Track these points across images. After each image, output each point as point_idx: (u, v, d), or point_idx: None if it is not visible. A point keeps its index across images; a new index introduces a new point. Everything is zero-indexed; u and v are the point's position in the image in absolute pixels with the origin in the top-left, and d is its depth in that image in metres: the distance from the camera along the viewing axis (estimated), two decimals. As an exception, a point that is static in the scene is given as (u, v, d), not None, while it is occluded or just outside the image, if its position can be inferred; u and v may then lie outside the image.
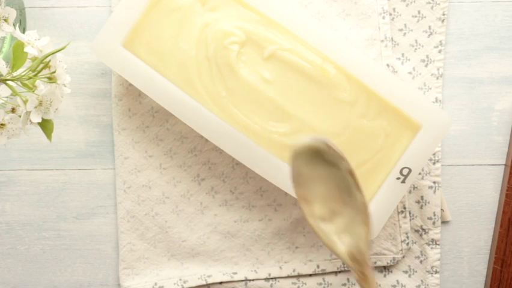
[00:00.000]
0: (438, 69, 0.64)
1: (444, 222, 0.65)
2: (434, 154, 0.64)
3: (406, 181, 0.58)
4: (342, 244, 0.45)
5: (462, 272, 0.66)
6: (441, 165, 0.65)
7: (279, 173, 0.57)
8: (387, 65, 0.63)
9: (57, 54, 0.50)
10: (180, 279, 0.64)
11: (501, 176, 0.65)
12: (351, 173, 0.45)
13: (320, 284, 0.64)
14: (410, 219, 0.64)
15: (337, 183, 0.46)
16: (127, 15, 0.56)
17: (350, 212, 0.45)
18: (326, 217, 0.46)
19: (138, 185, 0.63)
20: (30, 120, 0.48)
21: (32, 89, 0.48)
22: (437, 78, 0.64)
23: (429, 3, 0.64)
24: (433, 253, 0.64)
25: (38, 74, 0.49)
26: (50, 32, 0.63)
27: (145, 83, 0.57)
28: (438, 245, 0.64)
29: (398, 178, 0.57)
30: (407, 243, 0.64)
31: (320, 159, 0.45)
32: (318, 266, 0.64)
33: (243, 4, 0.57)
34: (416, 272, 0.65)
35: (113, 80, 0.63)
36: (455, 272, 0.66)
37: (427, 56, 0.64)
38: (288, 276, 0.64)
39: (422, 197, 0.64)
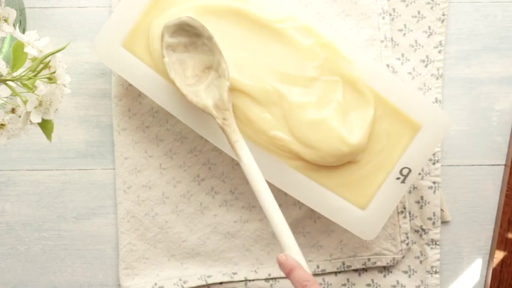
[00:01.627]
0: (438, 69, 0.64)
1: (444, 222, 0.65)
2: (434, 154, 0.64)
3: (406, 181, 0.58)
4: (208, 98, 0.53)
5: (462, 272, 0.66)
6: (441, 165, 0.65)
7: (279, 173, 0.57)
8: (387, 65, 0.63)
9: (57, 54, 0.50)
10: (180, 280, 0.64)
11: (501, 176, 0.65)
12: (210, 38, 0.53)
13: (320, 284, 0.64)
14: (410, 220, 0.64)
15: (200, 50, 0.54)
16: (127, 16, 0.56)
17: (214, 72, 0.53)
18: (193, 82, 0.54)
19: (138, 185, 0.63)
20: (30, 121, 0.48)
21: (32, 89, 0.48)
22: (437, 78, 0.64)
23: (429, 3, 0.64)
24: (433, 253, 0.64)
25: (38, 74, 0.49)
26: (50, 32, 0.63)
27: (144, 83, 0.57)
28: (438, 245, 0.64)
29: (398, 178, 0.57)
30: (407, 244, 0.64)
31: (185, 32, 0.54)
32: (318, 266, 0.64)
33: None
34: (416, 272, 0.65)
35: (113, 80, 0.63)
36: (455, 272, 0.66)
37: (427, 57, 0.64)
38: (288, 277, 0.64)
39: (422, 197, 0.64)
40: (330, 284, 0.64)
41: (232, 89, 0.55)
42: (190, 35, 0.54)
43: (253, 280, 0.64)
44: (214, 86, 0.53)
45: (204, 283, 0.64)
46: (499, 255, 0.64)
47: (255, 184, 0.51)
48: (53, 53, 0.49)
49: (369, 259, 0.64)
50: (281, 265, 0.50)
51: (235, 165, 0.64)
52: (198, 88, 0.53)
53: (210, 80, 0.54)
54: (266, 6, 0.56)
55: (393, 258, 0.64)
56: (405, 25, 0.64)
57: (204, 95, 0.53)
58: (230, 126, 0.52)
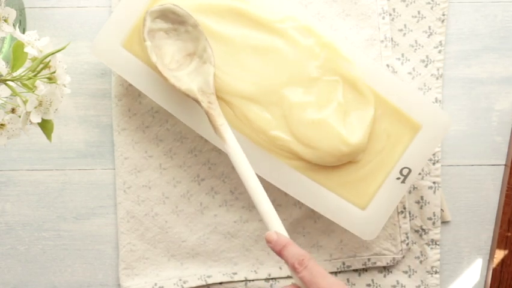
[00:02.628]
0: (438, 69, 0.64)
1: (444, 222, 0.65)
2: (434, 154, 0.64)
3: (406, 181, 0.58)
4: (192, 83, 0.53)
5: (462, 272, 0.66)
6: (441, 165, 0.65)
7: (279, 173, 0.57)
8: (387, 65, 0.63)
9: (57, 54, 0.50)
10: (180, 280, 0.64)
11: (501, 176, 0.65)
12: (195, 26, 0.54)
13: (320, 284, 0.64)
14: (410, 220, 0.64)
15: (182, 37, 0.54)
16: (127, 16, 0.56)
17: (197, 58, 0.54)
18: (175, 67, 0.54)
19: (138, 185, 0.63)
20: (30, 121, 0.48)
21: (32, 89, 0.48)
22: (437, 78, 0.64)
23: (429, 3, 0.64)
24: (433, 253, 0.64)
25: (38, 74, 0.49)
26: (50, 32, 0.63)
27: (144, 83, 0.57)
28: (438, 245, 0.64)
29: (398, 178, 0.57)
30: (407, 244, 0.64)
31: (168, 18, 0.54)
32: (318, 266, 0.64)
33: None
34: (416, 272, 0.65)
35: (113, 80, 0.63)
36: (455, 272, 0.66)
37: (427, 57, 0.64)
38: (288, 277, 0.64)
39: (422, 197, 0.64)
40: (330, 284, 0.64)
41: (233, 89, 0.55)
42: (173, 21, 0.54)
43: (253, 280, 0.64)
44: (197, 72, 0.54)
45: (204, 283, 0.64)
46: (499, 255, 0.64)
47: (240, 167, 0.52)
48: (53, 53, 0.49)
49: (369, 259, 0.64)
50: (271, 242, 0.50)
51: (235, 165, 0.64)
52: (180, 73, 0.54)
53: (193, 67, 0.54)
54: (266, 6, 0.56)
55: (393, 258, 0.64)
56: (405, 25, 0.64)
57: (186, 79, 0.53)
58: (215, 110, 0.53)
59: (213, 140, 0.57)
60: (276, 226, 0.51)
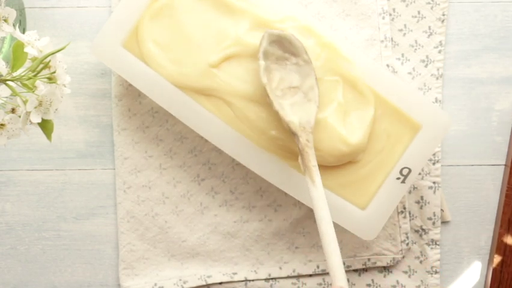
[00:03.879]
0: (438, 69, 0.64)
1: (444, 222, 0.65)
2: (434, 154, 0.64)
3: (406, 181, 0.58)
4: (294, 115, 0.53)
5: (462, 272, 0.66)
6: (441, 165, 0.65)
7: (279, 173, 0.57)
8: (387, 65, 0.63)
9: (57, 54, 0.50)
10: (180, 280, 0.64)
11: (501, 176, 0.65)
12: (308, 62, 0.54)
13: (320, 284, 0.64)
14: (410, 220, 0.64)
15: (290, 68, 0.54)
16: (127, 16, 0.56)
17: (302, 94, 0.54)
18: (280, 95, 0.54)
19: (138, 185, 0.63)
20: (30, 121, 0.48)
21: (32, 89, 0.48)
22: (437, 78, 0.64)
23: (429, 3, 0.64)
24: (433, 253, 0.64)
25: (38, 74, 0.49)
26: (50, 32, 0.63)
27: (144, 83, 0.57)
28: (438, 245, 0.64)
29: (398, 178, 0.57)
30: (407, 244, 0.64)
31: (284, 47, 0.54)
32: (318, 266, 0.64)
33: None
34: (416, 272, 0.65)
35: (113, 80, 0.63)
36: (455, 272, 0.66)
37: (427, 57, 0.64)
38: (288, 277, 0.64)
39: (422, 197, 0.64)
40: (330, 284, 0.64)
41: (233, 89, 0.55)
42: (285, 50, 0.54)
43: (253, 280, 0.64)
44: (300, 107, 0.53)
45: (204, 283, 0.64)
46: (499, 255, 0.64)
47: (320, 212, 0.51)
48: (53, 53, 0.49)
49: (369, 259, 0.64)
50: None
51: (235, 165, 0.64)
52: (284, 102, 0.53)
53: (296, 100, 0.54)
54: (266, 6, 0.56)
55: (393, 258, 0.64)
56: (405, 25, 0.64)
57: (289, 110, 0.53)
58: (311, 149, 0.52)
59: (213, 140, 0.57)
60: (342, 282, 0.50)
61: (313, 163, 0.52)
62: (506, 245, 0.64)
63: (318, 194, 0.51)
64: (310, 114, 0.53)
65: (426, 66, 0.64)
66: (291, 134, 0.53)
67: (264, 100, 0.55)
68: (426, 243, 0.64)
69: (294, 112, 0.53)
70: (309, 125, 0.53)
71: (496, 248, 0.64)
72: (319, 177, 0.52)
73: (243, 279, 0.64)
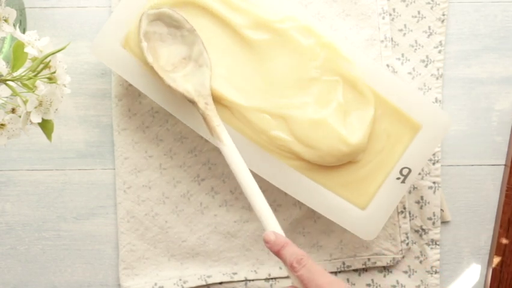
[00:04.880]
0: (438, 69, 0.64)
1: (444, 222, 0.65)
2: (434, 154, 0.64)
3: (406, 181, 0.58)
4: (188, 84, 0.54)
5: (462, 272, 0.66)
6: (441, 165, 0.65)
7: (279, 173, 0.57)
8: (387, 65, 0.63)
9: (57, 54, 0.50)
10: (180, 280, 0.64)
11: (501, 176, 0.65)
12: (191, 30, 0.55)
13: (320, 284, 0.64)
14: (410, 220, 0.64)
15: (177, 41, 0.55)
16: (127, 16, 0.56)
17: (193, 62, 0.55)
18: (171, 69, 0.54)
19: (138, 185, 0.63)
20: (30, 121, 0.48)
21: (32, 89, 0.48)
22: (437, 78, 0.64)
23: (429, 3, 0.64)
24: (433, 253, 0.64)
25: (38, 74, 0.49)
26: (50, 32, 0.63)
27: (144, 83, 0.57)
28: (438, 245, 0.64)
29: (398, 178, 0.57)
30: (407, 244, 0.64)
31: (164, 22, 0.55)
32: (318, 266, 0.64)
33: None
34: (416, 272, 0.65)
35: (113, 80, 0.63)
36: (455, 272, 0.66)
37: (427, 57, 0.64)
38: (288, 277, 0.64)
39: (422, 197, 0.64)
40: (330, 284, 0.64)
41: (232, 89, 0.55)
42: (168, 25, 0.55)
43: (253, 280, 0.64)
44: (193, 74, 0.54)
45: (204, 283, 0.64)
46: (499, 255, 0.64)
47: (236, 167, 0.52)
48: (53, 53, 0.49)
49: (369, 259, 0.64)
50: (269, 242, 0.50)
51: (235, 165, 0.63)
52: (176, 75, 0.54)
53: (189, 70, 0.55)
54: (266, 6, 0.56)
55: (393, 258, 0.64)
56: (405, 25, 0.64)
57: (182, 81, 0.54)
58: (212, 111, 0.53)
59: (212, 140, 0.57)
60: (274, 226, 0.51)
61: (216, 123, 0.53)
62: (506, 245, 0.64)
63: (229, 150, 0.52)
64: (205, 79, 0.54)
65: (426, 66, 0.64)
66: (191, 103, 0.55)
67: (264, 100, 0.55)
68: (426, 243, 0.64)
69: (188, 80, 0.54)
70: (204, 88, 0.54)
71: (495, 248, 0.64)
72: (226, 134, 0.53)
73: (243, 279, 0.64)
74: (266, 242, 0.50)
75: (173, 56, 0.55)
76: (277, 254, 0.50)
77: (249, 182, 0.52)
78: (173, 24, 0.55)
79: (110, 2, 0.63)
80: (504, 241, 0.64)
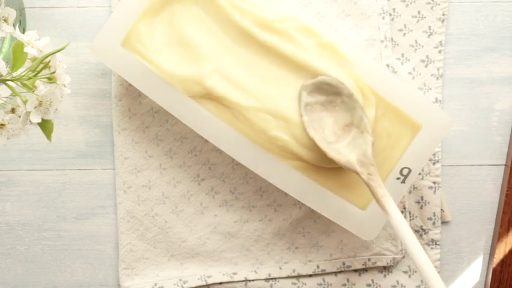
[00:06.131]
0: (438, 69, 0.64)
1: (444, 222, 0.65)
2: (434, 154, 0.64)
3: (406, 181, 0.58)
4: (351, 154, 0.53)
5: (462, 272, 0.66)
6: (441, 165, 0.65)
7: (279, 173, 0.57)
8: (387, 66, 0.63)
9: (57, 54, 0.50)
10: (180, 280, 0.64)
11: (501, 176, 0.65)
12: (350, 95, 0.54)
13: (320, 284, 0.64)
14: (410, 220, 0.64)
15: (339, 108, 0.55)
16: (127, 16, 0.56)
17: (355, 129, 0.54)
18: (333, 140, 0.54)
19: (138, 185, 0.63)
20: (30, 121, 0.48)
21: (32, 89, 0.48)
22: (437, 78, 0.64)
23: (429, 3, 0.64)
24: (433, 253, 0.64)
25: (38, 74, 0.49)
26: (50, 32, 0.63)
27: (144, 83, 0.57)
28: (438, 245, 0.64)
29: (398, 178, 0.57)
30: (407, 244, 0.64)
31: (322, 90, 0.54)
32: (318, 267, 0.64)
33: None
34: (416, 272, 0.65)
35: (113, 80, 0.63)
36: (455, 272, 0.66)
37: (427, 57, 0.64)
38: (288, 277, 0.64)
39: (422, 197, 0.64)
40: (330, 284, 0.64)
41: (232, 89, 0.55)
42: (328, 93, 0.54)
43: (253, 280, 0.64)
44: (355, 143, 0.53)
45: (204, 283, 0.64)
46: (499, 255, 0.64)
47: (404, 237, 0.50)
48: (53, 53, 0.49)
49: (369, 259, 0.64)
50: None
51: (235, 165, 0.64)
52: (339, 146, 0.53)
53: (351, 138, 0.54)
54: (266, 6, 0.56)
55: (393, 258, 0.64)
56: (405, 25, 0.64)
57: (345, 151, 0.53)
58: (376, 181, 0.52)
59: (213, 141, 0.57)
60: None
61: (381, 194, 0.51)
62: (506, 244, 0.64)
63: (397, 223, 0.50)
64: (367, 147, 0.53)
65: (426, 66, 0.64)
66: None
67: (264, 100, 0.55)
68: (426, 243, 0.64)
69: (351, 150, 0.53)
70: (366, 158, 0.52)
71: (496, 248, 0.64)
72: (392, 203, 0.51)
73: (243, 279, 0.64)
74: None
75: (336, 124, 0.55)
76: None
77: (418, 250, 0.50)
78: (332, 90, 0.54)
79: (110, 2, 0.63)
80: (504, 241, 0.64)
